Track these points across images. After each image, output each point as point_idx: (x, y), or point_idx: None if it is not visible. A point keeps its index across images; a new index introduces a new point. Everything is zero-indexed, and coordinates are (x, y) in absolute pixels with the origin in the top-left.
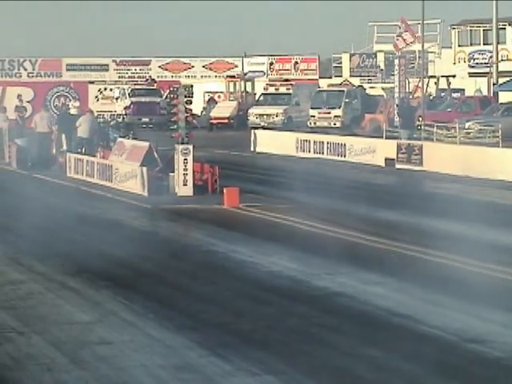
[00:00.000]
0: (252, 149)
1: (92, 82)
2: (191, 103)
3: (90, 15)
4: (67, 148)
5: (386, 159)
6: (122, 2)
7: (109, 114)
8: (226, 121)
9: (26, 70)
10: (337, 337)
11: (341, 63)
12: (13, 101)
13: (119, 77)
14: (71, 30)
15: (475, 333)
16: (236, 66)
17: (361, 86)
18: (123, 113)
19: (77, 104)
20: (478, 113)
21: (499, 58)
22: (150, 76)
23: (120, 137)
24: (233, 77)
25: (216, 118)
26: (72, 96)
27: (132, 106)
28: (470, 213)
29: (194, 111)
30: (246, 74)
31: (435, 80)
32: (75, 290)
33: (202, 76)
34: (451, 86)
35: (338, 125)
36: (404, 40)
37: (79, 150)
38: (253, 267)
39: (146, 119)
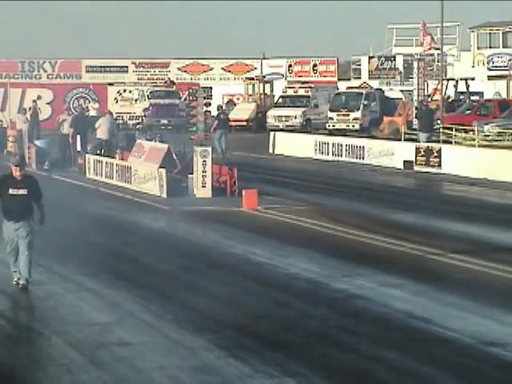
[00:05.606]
0: (270, 151)
1: (111, 84)
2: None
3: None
4: (82, 149)
5: (404, 162)
6: (141, 3)
7: (128, 115)
8: (245, 123)
9: (45, 71)
10: (355, 339)
11: (360, 65)
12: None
13: (138, 79)
14: (90, 32)
15: (494, 336)
16: (255, 69)
17: (379, 88)
18: (142, 115)
19: (96, 106)
20: (496, 116)
21: None
22: (169, 78)
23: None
24: (252, 79)
25: (235, 120)
26: (91, 98)
27: (151, 108)
28: (488, 215)
29: (212, 113)
30: (264, 77)
31: (454, 83)
32: (94, 290)
33: (220, 78)
34: (470, 89)
35: (357, 127)
36: (424, 43)
37: (98, 151)
38: (271, 269)
39: (164, 121)
